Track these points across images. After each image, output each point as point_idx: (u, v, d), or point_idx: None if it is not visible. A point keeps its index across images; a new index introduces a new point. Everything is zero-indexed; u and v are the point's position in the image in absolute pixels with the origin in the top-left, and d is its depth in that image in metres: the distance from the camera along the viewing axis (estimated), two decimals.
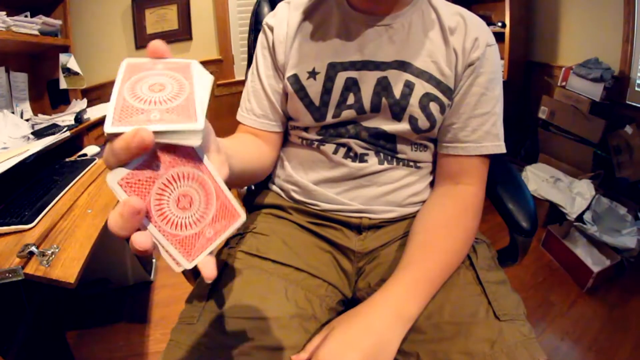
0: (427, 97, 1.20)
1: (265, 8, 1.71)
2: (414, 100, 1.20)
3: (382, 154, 1.28)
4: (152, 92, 0.62)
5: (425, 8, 1.25)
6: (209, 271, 0.66)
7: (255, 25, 1.72)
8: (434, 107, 1.20)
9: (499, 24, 4.49)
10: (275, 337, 1.03)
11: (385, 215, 1.31)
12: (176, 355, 0.99)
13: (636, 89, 3.53)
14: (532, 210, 1.36)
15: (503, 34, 4.40)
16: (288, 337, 1.05)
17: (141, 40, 4.14)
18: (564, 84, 3.82)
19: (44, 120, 2.97)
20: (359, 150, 1.27)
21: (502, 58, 4.47)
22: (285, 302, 1.12)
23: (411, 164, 1.31)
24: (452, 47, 1.20)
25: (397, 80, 1.20)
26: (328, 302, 1.22)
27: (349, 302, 1.30)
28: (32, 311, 2.45)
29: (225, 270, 1.18)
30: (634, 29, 3.44)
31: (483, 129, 1.22)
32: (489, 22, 4.74)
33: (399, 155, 1.28)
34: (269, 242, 1.27)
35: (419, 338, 1.03)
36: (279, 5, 1.35)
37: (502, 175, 1.45)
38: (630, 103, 3.58)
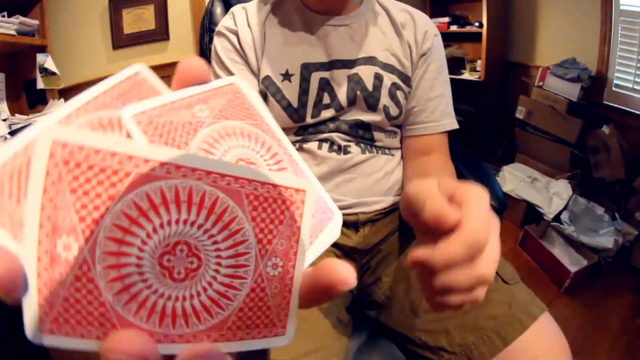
0: (394, 87, 1.32)
1: (219, 8, 1.73)
2: (385, 90, 1.30)
3: (362, 144, 1.34)
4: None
5: (376, 8, 1.36)
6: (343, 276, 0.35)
7: (210, 26, 1.72)
8: (400, 95, 1.33)
9: (476, 24, 4.53)
10: (312, 344, 1.06)
11: (378, 206, 1.35)
12: None
13: (613, 89, 3.56)
14: (498, 191, 1.54)
15: (480, 34, 4.42)
16: (328, 345, 1.10)
17: (118, 41, 4.09)
18: (541, 84, 3.84)
19: (21, 120, 2.95)
20: (342, 143, 1.32)
21: (479, 58, 4.50)
22: (315, 310, 1.15)
23: (387, 151, 1.40)
24: (406, 41, 1.33)
25: (368, 75, 1.30)
26: (344, 301, 1.29)
27: (354, 300, 1.36)
28: (9, 310, 2.43)
29: None
30: (611, 29, 3.47)
31: (440, 109, 1.37)
32: (466, 22, 4.77)
33: (377, 144, 1.36)
34: None
35: (445, 315, 1.13)
36: (235, 10, 1.35)
37: (470, 166, 1.60)
38: (607, 103, 3.60)
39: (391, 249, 1.35)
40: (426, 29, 1.34)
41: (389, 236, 1.37)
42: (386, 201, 1.36)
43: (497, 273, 1.12)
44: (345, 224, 1.33)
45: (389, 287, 1.28)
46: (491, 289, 1.07)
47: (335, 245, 1.32)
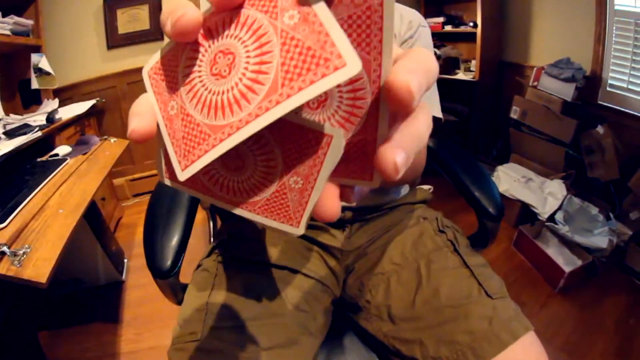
0: None
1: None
2: None
3: None
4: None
5: None
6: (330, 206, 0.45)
7: None
8: None
9: (471, 24, 4.51)
10: (281, 338, 1.07)
11: (365, 203, 1.34)
12: None
13: (608, 89, 3.55)
14: (497, 197, 1.45)
15: (475, 34, 4.40)
16: (295, 341, 1.09)
17: (113, 41, 4.11)
18: (535, 83, 3.83)
19: (15, 120, 2.95)
20: None
21: (473, 58, 4.50)
22: (287, 306, 1.16)
23: None
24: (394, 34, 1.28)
25: None
26: (323, 302, 1.27)
27: (337, 302, 1.34)
28: (4, 311, 2.43)
29: (219, 279, 1.19)
30: (605, 29, 3.46)
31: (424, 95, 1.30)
32: (461, 22, 4.77)
33: None
34: (258, 246, 1.29)
35: (420, 325, 1.10)
36: None
37: (467, 168, 1.53)
38: (602, 103, 3.59)
39: (375, 253, 1.34)
40: (410, 19, 1.30)
41: (375, 240, 1.36)
42: (374, 199, 1.36)
43: (481, 286, 1.12)
44: (332, 223, 1.33)
45: (369, 291, 1.27)
46: (472, 302, 1.08)
47: (320, 245, 1.33)
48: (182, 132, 0.43)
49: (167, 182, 0.49)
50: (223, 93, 0.39)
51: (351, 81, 0.40)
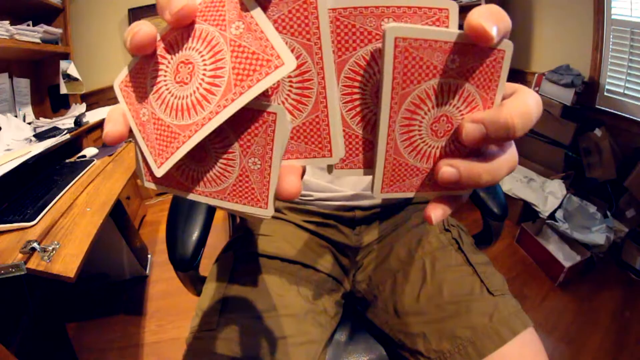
0: None
1: None
2: None
3: None
4: None
5: None
6: (289, 185, 0.47)
7: None
8: None
9: None
10: (293, 330, 1.07)
11: (375, 202, 1.32)
12: None
13: (605, 94, 3.53)
14: (501, 197, 1.45)
15: None
16: (306, 332, 1.09)
17: None
18: (537, 89, 3.81)
19: (45, 123, 2.97)
20: None
21: None
22: (299, 299, 1.16)
23: None
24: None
25: None
26: (334, 296, 1.27)
27: (348, 296, 1.35)
28: (34, 304, 2.45)
29: (236, 273, 1.20)
30: (603, 37, 3.45)
31: None
32: None
33: None
34: (273, 242, 1.29)
35: (424, 319, 1.09)
36: None
37: None
38: (599, 107, 3.57)
39: (384, 249, 1.33)
40: None
41: (384, 238, 1.35)
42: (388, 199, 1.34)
43: (482, 283, 1.10)
44: (342, 221, 1.32)
45: (377, 286, 1.27)
46: (473, 299, 1.07)
47: (332, 242, 1.32)
48: (154, 134, 0.47)
49: (148, 184, 0.52)
50: (187, 97, 0.44)
51: (297, 66, 0.44)
